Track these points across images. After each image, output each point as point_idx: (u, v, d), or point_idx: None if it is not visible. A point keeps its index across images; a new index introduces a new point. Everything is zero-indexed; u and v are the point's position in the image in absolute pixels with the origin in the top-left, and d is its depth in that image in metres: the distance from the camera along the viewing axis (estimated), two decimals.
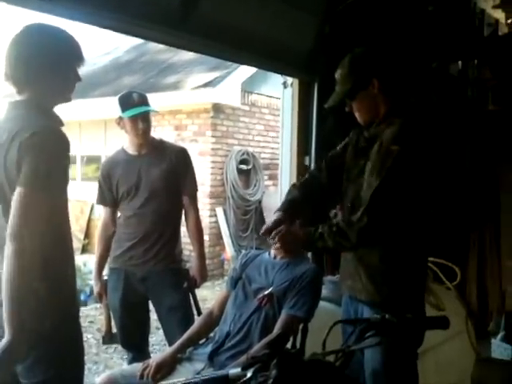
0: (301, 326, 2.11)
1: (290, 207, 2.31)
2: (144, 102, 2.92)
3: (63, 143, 1.68)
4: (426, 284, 2.26)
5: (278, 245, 2.14)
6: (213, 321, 2.42)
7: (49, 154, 1.63)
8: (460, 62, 3.81)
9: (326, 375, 1.15)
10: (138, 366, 2.28)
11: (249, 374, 1.17)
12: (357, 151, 2.18)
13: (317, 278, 2.29)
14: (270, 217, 2.28)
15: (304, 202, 2.33)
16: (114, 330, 3.05)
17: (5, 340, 1.55)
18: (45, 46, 1.72)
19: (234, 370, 1.29)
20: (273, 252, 2.41)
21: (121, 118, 2.91)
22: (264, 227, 2.20)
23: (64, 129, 1.75)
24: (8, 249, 1.57)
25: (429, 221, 2.10)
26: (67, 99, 1.84)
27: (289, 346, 1.88)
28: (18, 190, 1.60)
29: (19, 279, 1.55)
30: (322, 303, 2.35)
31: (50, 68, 1.72)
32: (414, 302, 2.07)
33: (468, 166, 3.59)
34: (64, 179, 1.71)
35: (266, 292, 2.24)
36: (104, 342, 3.24)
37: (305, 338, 1.27)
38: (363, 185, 2.04)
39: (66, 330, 1.75)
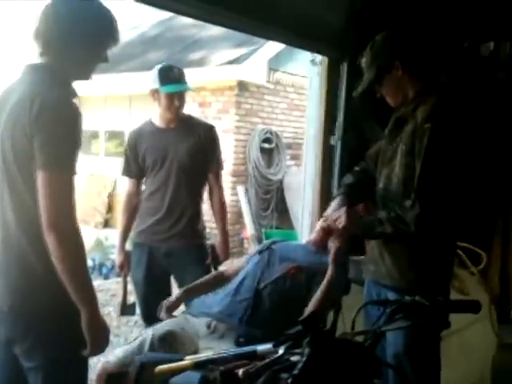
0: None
1: (349, 190, 2.31)
2: (183, 78, 2.92)
3: (76, 116, 1.60)
4: (452, 270, 2.22)
5: (342, 223, 2.07)
6: (223, 278, 2.35)
7: (65, 130, 1.56)
8: (492, 43, 3.72)
9: (357, 355, 1.14)
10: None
11: (280, 351, 1.16)
12: (390, 134, 2.16)
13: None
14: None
15: (360, 187, 2.32)
16: (129, 301, 3.09)
17: (84, 315, 1.59)
18: (87, 16, 1.67)
19: (263, 347, 1.27)
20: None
21: (156, 91, 2.88)
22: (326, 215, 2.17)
23: (78, 101, 1.68)
24: (49, 240, 1.52)
25: (462, 203, 2.06)
26: (87, 77, 1.77)
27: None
28: (43, 175, 1.52)
29: (72, 264, 1.55)
30: None
31: (84, 38, 1.66)
32: (439, 288, 2.04)
33: (496, 148, 3.52)
34: (77, 154, 1.62)
35: (296, 264, 2.15)
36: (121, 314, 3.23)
37: (337, 316, 1.25)
38: (396, 167, 2.01)
39: (65, 310, 1.59)
